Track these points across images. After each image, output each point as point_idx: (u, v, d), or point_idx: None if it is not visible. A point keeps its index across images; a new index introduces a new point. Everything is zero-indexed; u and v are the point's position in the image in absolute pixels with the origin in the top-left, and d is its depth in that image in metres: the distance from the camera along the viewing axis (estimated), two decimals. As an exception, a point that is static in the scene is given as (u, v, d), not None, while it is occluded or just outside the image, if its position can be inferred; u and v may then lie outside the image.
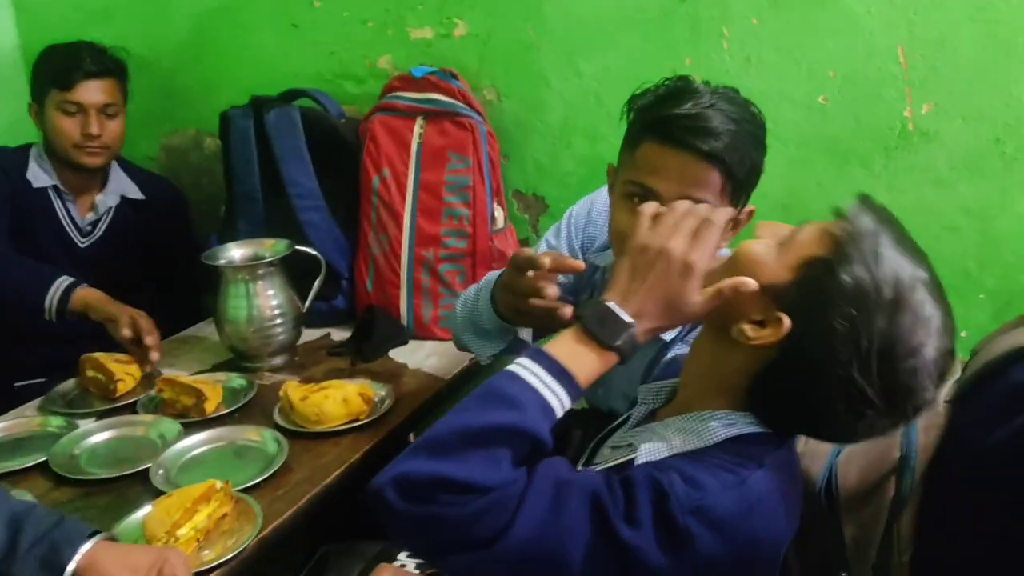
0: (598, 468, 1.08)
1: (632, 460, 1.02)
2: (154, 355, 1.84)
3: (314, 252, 1.99)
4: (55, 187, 2.18)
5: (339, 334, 2.11)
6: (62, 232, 2.19)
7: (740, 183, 1.29)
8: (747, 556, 0.96)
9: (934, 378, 0.96)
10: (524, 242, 2.17)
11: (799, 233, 1.00)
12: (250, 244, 1.99)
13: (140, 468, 1.50)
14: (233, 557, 1.28)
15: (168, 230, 2.36)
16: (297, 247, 1.95)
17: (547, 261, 1.26)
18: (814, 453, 1.49)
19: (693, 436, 1.02)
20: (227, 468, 1.53)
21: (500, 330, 1.46)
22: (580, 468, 1.13)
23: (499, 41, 2.10)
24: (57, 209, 2.19)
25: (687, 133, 1.25)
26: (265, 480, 1.47)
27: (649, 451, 1.02)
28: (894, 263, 0.94)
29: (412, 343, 2.06)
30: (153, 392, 1.76)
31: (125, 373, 1.80)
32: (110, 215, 2.25)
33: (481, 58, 2.12)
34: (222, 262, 1.92)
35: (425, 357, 1.98)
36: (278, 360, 1.95)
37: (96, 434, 1.64)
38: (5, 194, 2.12)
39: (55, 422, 1.69)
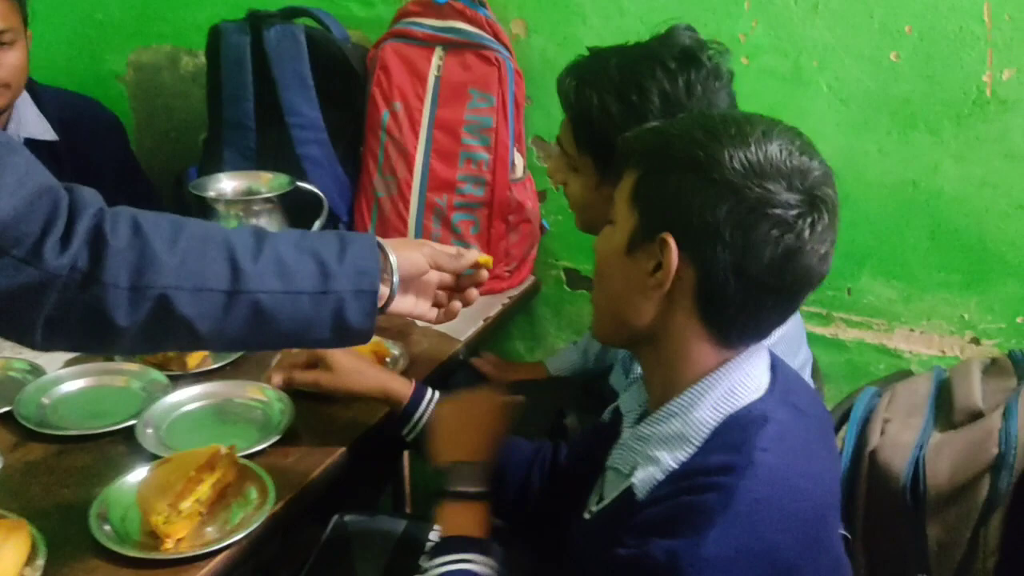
0: (602, 506, 1.02)
1: (631, 490, 0.93)
2: None
3: (315, 190, 1.78)
4: None
5: (334, 283, 1.90)
6: None
7: (581, 129, 1.34)
8: (771, 565, 0.84)
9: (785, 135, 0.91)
10: (543, 194, 1.99)
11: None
12: (243, 176, 1.77)
13: (123, 424, 1.30)
14: (243, 537, 1.10)
15: (102, 165, 1.91)
16: (298, 183, 1.74)
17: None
18: (895, 445, 1.35)
19: (678, 443, 0.91)
20: (225, 431, 1.33)
21: None
22: (593, 506, 1.05)
23: (532, -32, 1.90)
24: None
25: None
26: (271, 446, 1.28)
27: (646, 482, 0.92)
28: None
29: (418, 298, 1.86)
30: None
31: None
32: None
33: (510, -14, 1.92)
34: (211, 194, 1.70)
35: (434, 314, 1.79)
36: (270, 309, 1.73)
37: (68, 381, 1.42)
38: None
39: (17, 364, 1.46)
